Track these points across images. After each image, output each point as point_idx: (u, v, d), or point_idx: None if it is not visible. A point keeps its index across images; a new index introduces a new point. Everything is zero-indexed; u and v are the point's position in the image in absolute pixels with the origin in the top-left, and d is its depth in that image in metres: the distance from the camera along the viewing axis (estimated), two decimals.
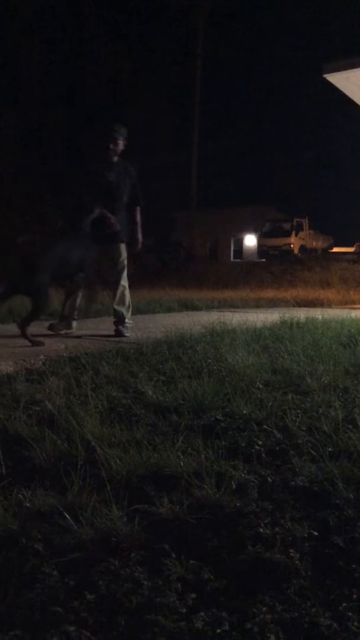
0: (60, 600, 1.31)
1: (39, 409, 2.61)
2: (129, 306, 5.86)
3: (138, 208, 5.85)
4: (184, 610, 1.27)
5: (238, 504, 1.74)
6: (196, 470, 1.93)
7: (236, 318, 5.94)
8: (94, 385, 3.04)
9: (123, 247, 5.74)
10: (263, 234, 32.03)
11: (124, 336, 5.39)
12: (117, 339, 5.22)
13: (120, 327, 5.58)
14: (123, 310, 5.72)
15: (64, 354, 4.09)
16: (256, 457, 2.13)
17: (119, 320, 5.67)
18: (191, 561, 1.46)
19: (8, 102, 23.08)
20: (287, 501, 1.79)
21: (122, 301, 5.76)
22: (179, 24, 29.61)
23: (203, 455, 2.02)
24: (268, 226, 32.03)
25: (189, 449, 2.12)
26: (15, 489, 1.81)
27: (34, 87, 25.11)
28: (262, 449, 2.20)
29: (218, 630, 1.21)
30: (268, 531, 1.59)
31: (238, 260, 35.88)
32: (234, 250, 40.73)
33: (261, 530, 1.60)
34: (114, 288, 5.80)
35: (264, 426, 2.43)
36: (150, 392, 2.85)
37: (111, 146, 5.60)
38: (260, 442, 2.25)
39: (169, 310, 10.38)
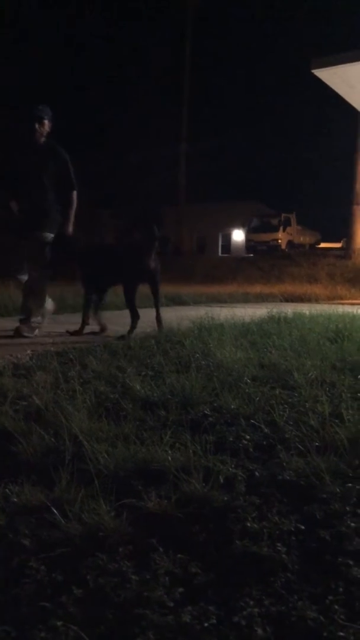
0: (48, 595, 1.31)
1: (26, 403, 2.60)
2: (41, 304, 5.41)
3: (73, 192, 5.38)
4: (172, 604, 1.27)
5: (226, 498, 1.74)
6: (184, 464, 1.93)
7: (224, 313, 5.96)
8: (81, 380, 3.03)
9: (44, 236, 5.26)
10: (251, 229, 32.08)
11: (24, 336, 5.01)
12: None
13: (23, 326, 5.16)
14: (33, 307, 5.31)
15: (51, 348, 4.07)
16: (244, 452, 2.13)
17: (27, 317, 5.27)
18: (179, 555, 1.46)
19: None
20: (275, 495, 1.80)
21: (33, 295, 5.32)
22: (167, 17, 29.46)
23: (191, 450, 2.02)
24: (256, 221, 32.07)
25: (177, 443, 2.12)
26: (2, 484, 1.81)
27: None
28: (250, 443, 2.21)
29: (206, 624, 1.21)
30: (255, 525, 1.60)
31: (226, 255, 35.93)
32: (222, 246, 40.77)
33: (248, 524, 1.61)
34: (27, 280, 5.38)
35: (252, 421, 2.44)
36: (138, 387, 2.85)
37: (37, 126, 5.21)
38: (247, 437, 2.26)
39: None
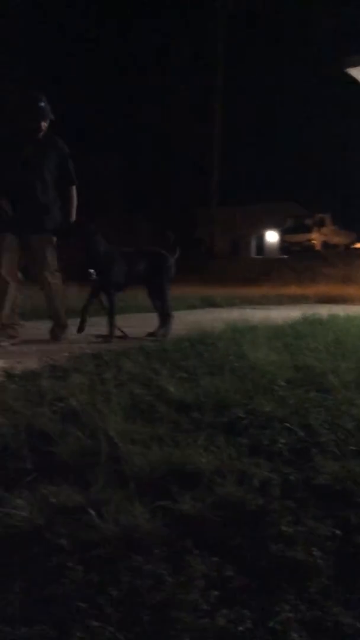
0: (84, 595, 1.32)
1: (63, 405, 2.64)
2: (63, 306, 5.21)
3: (72, 187, 5.11)
4: (207, 607, 1.28)
5: (260, 502, 1.74)
6: (218, 467, 1.93)
7: (258, 315, 5.93)
8: (116, 382, 3.06)
9: (48, 238, 5.02)
10: (285, 230, 31.80)
11: (58, 340, 4.99)
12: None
13: (58, 333, 5.10)
14: (59, 310, 5.14)
15: (87, 351, 4.12)
16: (278, 455, 2.12)
17: (58, 326, 5.14)
18: (214, 558, 1.46)
19: None
20: (310, 500, 1.79)
21: (56, 305, 5.13)
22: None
23: (225, 453, 2.02)
24: (290, 222, 31.79)
25: (211, 446, 2.13)
26: (40, 485, 1.84)
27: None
28: (285, 447, 2.20)
29: (241, 628, 1.21)
30: (290, 529, 1.59)
31: (260, 257, 35.72)
32: (256, 247, 40.56)
33: (283, 528, 1.60)
34: (42, 286, 5.15)
35: (286, 424, 2.42)
36: (172, 389, 2.86)
37: (42, 124, 4.84)
38: (282, 440, 2.25)
39: (191, 307, 10.38)
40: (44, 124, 4.85)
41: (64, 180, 5.05)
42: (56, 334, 5.13)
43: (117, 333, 5.22)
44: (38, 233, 4.93)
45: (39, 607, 1.29)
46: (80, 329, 5.12)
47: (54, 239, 5.05)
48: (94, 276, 5.16)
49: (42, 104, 4.80)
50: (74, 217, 5.12)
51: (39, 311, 6.68)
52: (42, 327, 5.38)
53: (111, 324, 5.17)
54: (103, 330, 5.25)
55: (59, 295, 5.18)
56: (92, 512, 1.63)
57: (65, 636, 1.20)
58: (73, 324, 5.15)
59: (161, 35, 29.63)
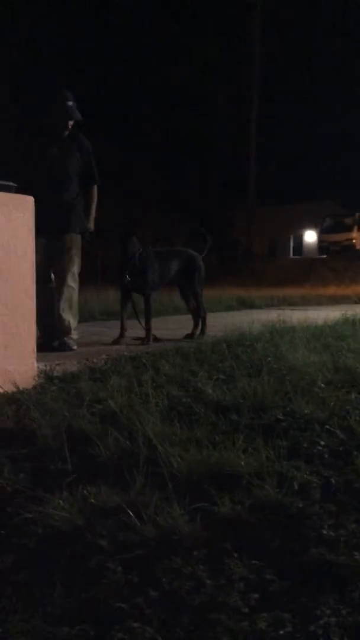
0: (124, 596, 1.33)
1: (102, 407, 2.66)
2: (76, 314, 5.01)
3: (95, 186, 5.07)
4: (247, 610, 1.27)
5: (300, 505, 1.72)
6: (257, 470, 1.92)
7: (296, 316, 5.87)
8: (154, 384, 3.07)
9: (74, 238, 4.92)
10: (324, 229, 31.44)
11: (71, 349, 4.74)
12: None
13: (65, 339, 4.81)
14: (70, 318, 4.89)
15: (125, 353, 4.15)
16: (318, 458, 2.10)
17: (64, 330, 4.84)
18: (253, 561, 1.45)
19: None
20: (351, 503, 1.76)
21: (69, 306, 4.90)
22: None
23: (264, 455, 2.00)
24: (329, 221, 31.40)
25: (250, 448, 2.11)
26: (80, 485, 1.86)
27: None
28: (325, 449, 2.17)
29: (281, 632, 1.20)
30: (332, 533, 1.57)
31: (298, 257, 35.38)
32: (294, 247, 40.19)
33: (324, 532, 1.58)
34: (59, 287, 4.90)
35: (327, 426, 2.39)
36: (210, 391, 2.86)
37: (69, 123, 4.82)
38: (322, 443, 2.22)
39: (228, 308, 10.36)
40: (70, 123, 4.82)
41: (87, 179, 5.01)
42: (63, 342, 4.82)
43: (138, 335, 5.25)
44: (64, 232, 4.84)
45: (80, 607, 1.31)
46: (121, 336, 5.12)
47: (79, 238, 4.98)
48: (128, 278, 5.18)
49: (70, 103, 4.77)
50: (94, 216, 5.06)
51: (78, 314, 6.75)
52: (81, 330, 5.45)
53: (148, 327, 5.18)
54: (137, 332, 5.28)
55: (74, 300, 4.97)
56: (131, 514, 1.64)
57: (105, 636, 1.20)
58: (113, 326, 5.19)
59: (198, 33, 29.67)
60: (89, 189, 5.05)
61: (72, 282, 4.91)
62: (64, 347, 4.73)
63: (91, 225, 5.05)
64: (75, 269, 4.93)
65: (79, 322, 5.26)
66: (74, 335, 4.94)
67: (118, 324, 5.30)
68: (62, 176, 4.83)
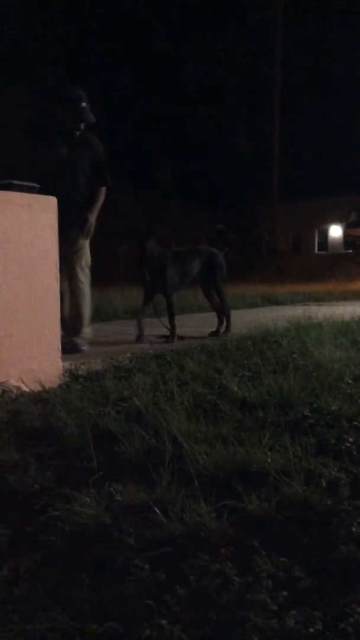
0: (152, 593, 1.33)
1: (127, 405, 2.67)
2: (87, 310, 4.90)
3: (103, 188, 4.94)
4: (276, 608, 1.26)
5: (329, 502, 1.70)
6: (284, 467, 1.90)
7: (322, 312, 5.81)
8: (179, 382, 3.07)
9: (78, 232, 4.82)
10: (349, 223, 31.03)
11: (79, 351, 4.56)
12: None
13: (76, 339, 4.68)
14: (81, 314, 4.81)
15: (150, 351, 4.15)
16: (347, 455, 2.07)
17: (75, 329, 4.75)
18: (282, 559, 1.44)
19: None
20: None
21: (79, 302, 4.82)
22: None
23: (291, 452, 1.98)
24: (354, 215, 30.98)
25: (276, 445, 2.09)
26: (106, 483, 1.86)
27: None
28: (353, 446, 2.13)
29: (311, 630, 1.18)
30: None
31: (323, 252, 35.04)
32: (319, 243, 39.80)
33: (354, 529, 1.55)
34: (69, 283, 4.77)
35: (355, 423, 2.36)
36: (235, 388, 2.84)
37: (82, 126, 4.70)
38: (350, 439, 2.19)
39: (253, 305, 10.31)
40: (83, 125, 4.74)
41: (98, 179, 4.93)
42: (75, 344, 4.64)
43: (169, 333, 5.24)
44: (70, 227, 4.58)
45: (107, 604, 1.31)
46: (140, 338, 5.12)
47: (84, 233, 4.89)
48: (149, 278, 5.20)
49: (84, 105, 4.68)
50: (95, 215, 4.93)
51: (102, 313, 6.79)
52: (106, 329, 5.47)
53: (172, 325, 5.18)
54: (161, 330, 5.28)
55: (85, 295, 4.86)
56: (158, 511, 1.63)
57: (133, 634, 1.20)
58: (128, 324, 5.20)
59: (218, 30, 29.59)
60: (98, 189, 4.96)
61: (83, 276, 4.84)
62: (73, 349, 4.53)
63: (87, 224, 4.87)
64: (84, 263, 4.86)
65: (103, 320, 5.28)
66: (87, 334, 4.85)
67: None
68: (70, 175, 4.76)
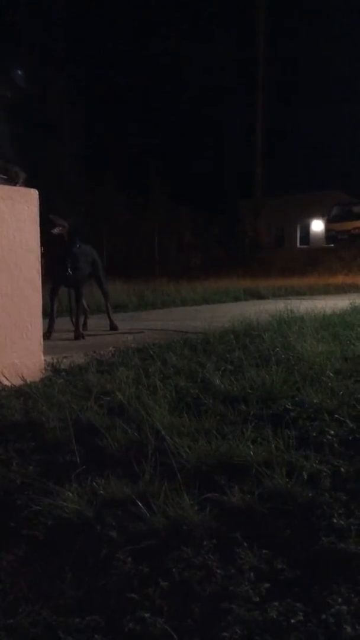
0: (134, 586, 1.33)
1: (109, 399, 2.66)
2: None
3: None
4: (258, 599, 1.27)
5: (310, 494, 1.71)
6: (266, 459, 1.91)
7: (304, 305, 5.85)
8: (162, 376, 3.07)
9: None
10: (331, 218, 31.19)
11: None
12: None
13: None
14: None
15: (132, 345, 4.14)
16: (328, 447, 2.09)
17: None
18: (264, 550, 1.45)
19: None
20: None
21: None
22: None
23: (273, 445, 2.00)
24: (336, 210, 31.13)
25: (259, 438, 2.11)
26: (89, 477, 1.86)
27: None
28: (335, 438, 2.15)
29: (293, 621, 1.20)
30: (342, 522, 1.56)
31: (305, 246, 35.21)
32: (301, 237, 39.97)
33: (335, 520, 1.57)
34: None
35: (336, 415, 2.38)
36: (218, 382, 2.85)
37: (9, 94, 4.05)
38: (332, 432, 2.20)
39: (236, 299, 10.35)
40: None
41: None
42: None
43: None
44: None
45: (90, 597, 1.31)
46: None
47: None
48: (70, 272, 5.26)
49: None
50: None
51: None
52: (90, 323, 5.44)
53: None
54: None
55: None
56: (141, 504, 1.63)
57: (116, 627, 1.20)
58: (117, 318, 5.18)
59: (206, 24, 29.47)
60: None
61: None
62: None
63: None
64: None
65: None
66: None
67: (122, 316, 5.33)
68: None
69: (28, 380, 3.06)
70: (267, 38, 29.40)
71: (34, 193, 3.41)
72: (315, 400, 2.54)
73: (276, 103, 30.51)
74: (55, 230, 5.05)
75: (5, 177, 3.26)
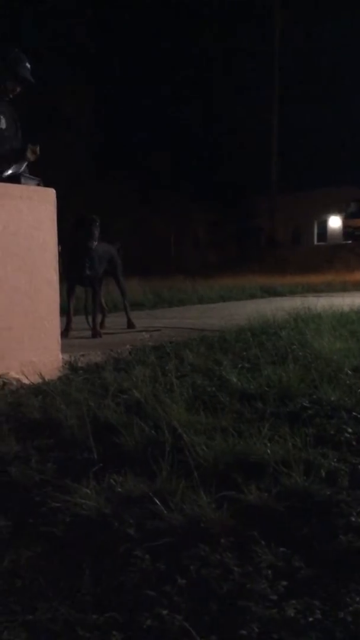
0: (152, 584, 1.34)
1: (126, 397, 2.67)
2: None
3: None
4: (275, 597, 1.27)
5: (328, 493, 1.70)
6: (283, 457, 1.90)
7: (321, 303, 5.81)
8: (178, 374, 3.07)
9: None
10: (348, 214, 30.90)
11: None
12: None
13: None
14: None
15: (149, 343, 4.15)
16: (346, 445, 2.07)
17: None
18: (281, 549, 1.45)
19: None
20: None
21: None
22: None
23: (290, 443, 1.99)
24: (354, 206, 30.83)
25: (276, 436, 2.10)
26: (106, 474, 1.87)
27: None
28: (352, 436, 2.14)
29: (310, 619, 1.19)
30: None
31: (322, 243, 34.94)
32: (318, 234, 39.66)
33: (353, 519, 1.56)
34: None
35: (354, 413, 2.36)
36: (234, 379, 2.84)
37: (19, 89, 3.82)
38: (350, 430, 2.19)
39: (252, 297, 10.32)
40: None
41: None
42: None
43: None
44: None
45: (108, 594, 1.31)
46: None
47: None
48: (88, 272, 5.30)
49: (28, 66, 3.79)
50: None
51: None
52: (107, 321, 5.46)
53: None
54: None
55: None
56: (158, 502, 1.64)
57: (134, 624, 1.21)
58: (136, 317, 5.20)
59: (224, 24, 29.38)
60: None
61: None
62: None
63: None
64: None
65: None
66: None
67: (139, 314, 5.36)
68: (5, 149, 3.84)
69: (46, 378, 3.08)
70: (282, 34, 29.20)
71: (51, 192, 3.42)
72: (332, 398, 2.53)
73: (292, 99, 30.28)
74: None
75: (32, 177, 3.28)
